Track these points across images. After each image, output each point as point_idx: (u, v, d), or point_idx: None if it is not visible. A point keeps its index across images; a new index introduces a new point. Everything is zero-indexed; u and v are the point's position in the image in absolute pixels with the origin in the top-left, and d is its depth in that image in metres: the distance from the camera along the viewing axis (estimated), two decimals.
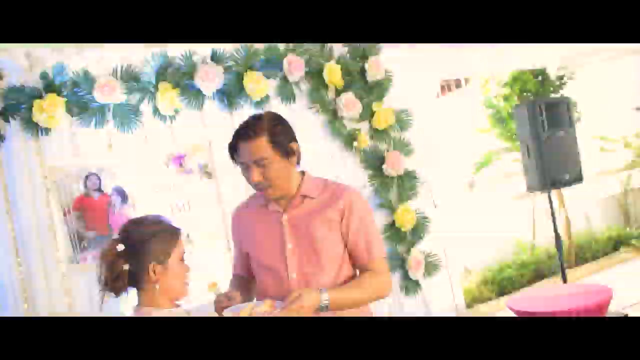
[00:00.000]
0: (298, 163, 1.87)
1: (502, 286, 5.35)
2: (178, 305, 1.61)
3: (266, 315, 1.61)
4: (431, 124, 3.87)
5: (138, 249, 1.52)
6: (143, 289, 1.56)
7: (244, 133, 1.77)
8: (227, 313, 1.67)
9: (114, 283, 1.52)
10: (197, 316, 1.48)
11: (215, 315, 1.67)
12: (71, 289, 2.71)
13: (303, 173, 1.92)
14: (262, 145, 1.75)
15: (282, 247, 1.85)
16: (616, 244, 6.05)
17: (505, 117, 5.66)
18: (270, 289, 1.85)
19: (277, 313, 1.60)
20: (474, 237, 5.51)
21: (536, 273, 5.57)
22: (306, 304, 1.62)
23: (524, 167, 3.68)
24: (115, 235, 1.56)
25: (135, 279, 1.54)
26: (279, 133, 1.77)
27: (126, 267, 1.51)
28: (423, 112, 3.59)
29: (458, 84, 9.72)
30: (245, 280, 2.02)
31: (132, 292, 1.61)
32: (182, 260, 1.63)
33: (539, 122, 3.45)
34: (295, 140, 1.83)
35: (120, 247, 1.51)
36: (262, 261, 1.89)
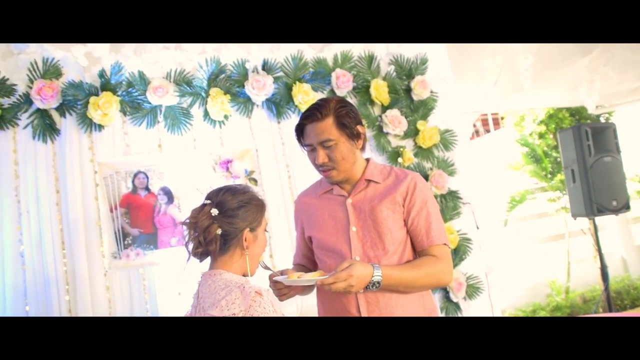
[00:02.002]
0: (363, 148, 1.87)
1: None
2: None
3: (315, 278, 1.61)
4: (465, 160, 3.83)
5: (234, 214, 1.52)
6: (225, 254, 1.54)
7: (311, 114, 1.77)
8: (277, 279, 1.73)
9: (208, 246, 1.50)
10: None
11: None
12: (112, 284, 2.69)
13: (367, 160, 1.92)
14: (328, 126, 1.75)
15: (346, 229, 1.83)
16: None
17: (541, 155, 5.62)
18: None
19: (326, 279, 1.57)
20: (506, 277, 5.38)
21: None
22: (355, 274, 1.58)
23: (568, 193, 3.58)
24: (206, 201, 1.55)
25: (227, 244, 1.53)
26: (346, 115, 1.77)
27: (219, 231, 1.51)
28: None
29: (487, 130, 9.74)
30: (305, 269, 2.00)
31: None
32: (266, 231, 1.64)
33: (585, 146, 3.38)
34: (362, 124, 1.83)
35: (215, 211, 1.50)
36: (325, 244, 1.87)
